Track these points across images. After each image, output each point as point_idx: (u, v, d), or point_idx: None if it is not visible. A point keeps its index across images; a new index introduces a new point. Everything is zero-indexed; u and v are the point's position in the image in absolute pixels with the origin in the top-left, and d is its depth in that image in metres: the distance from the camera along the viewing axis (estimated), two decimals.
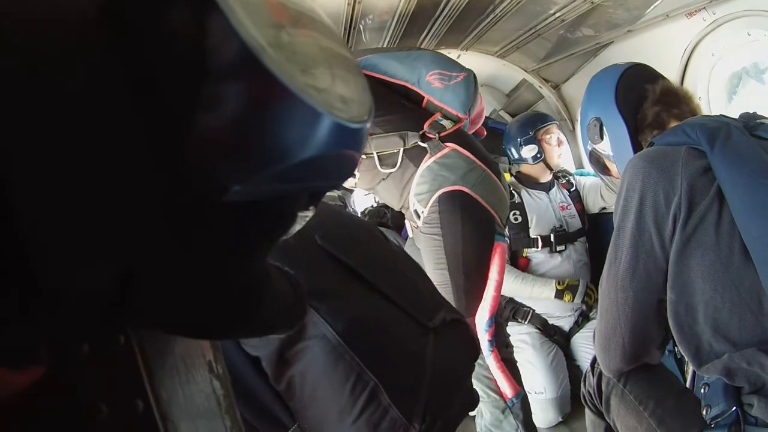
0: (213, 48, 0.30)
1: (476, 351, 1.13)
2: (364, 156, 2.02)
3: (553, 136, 2.94)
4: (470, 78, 2.02)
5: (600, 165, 1.60)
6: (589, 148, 1.56)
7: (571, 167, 3.28)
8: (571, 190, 3.02)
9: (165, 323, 0.43)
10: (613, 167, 1.53)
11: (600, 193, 2.91)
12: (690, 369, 1.25)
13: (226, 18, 0.30)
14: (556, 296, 2.68)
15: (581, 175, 3.11)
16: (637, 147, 1.40)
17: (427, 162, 1.94)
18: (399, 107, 2.01)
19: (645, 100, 1.40)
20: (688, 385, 1.28)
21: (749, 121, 1.20)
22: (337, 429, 0.92)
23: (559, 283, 2.69)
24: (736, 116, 1.28)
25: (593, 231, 2.95)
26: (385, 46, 2.67)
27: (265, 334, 0.55)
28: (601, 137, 1.47)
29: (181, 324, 0.43)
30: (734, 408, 1.04)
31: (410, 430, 0.92)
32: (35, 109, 0.28)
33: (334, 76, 0.36)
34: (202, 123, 0.31)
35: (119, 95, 0.31)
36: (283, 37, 0.33)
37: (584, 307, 2.75)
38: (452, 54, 2.95)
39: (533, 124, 2.97)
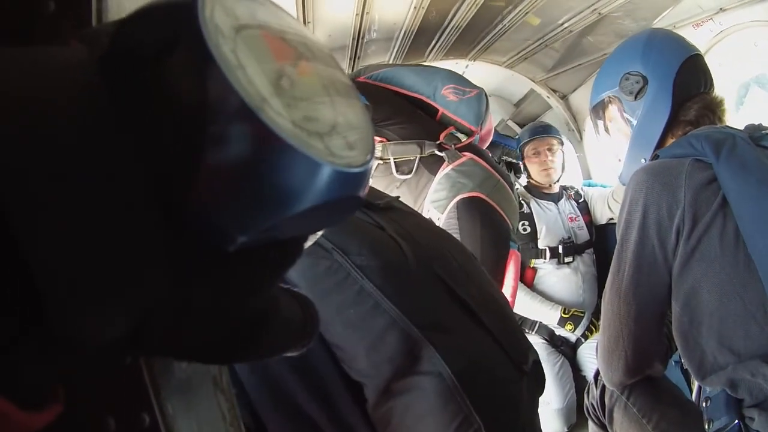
0: (212, 102, 0.30)
1: (542, 391, 1.11)
2: (380, 161, 2.07)
3: (539, 150, 2.96)
4: (482, 95, 2.09)
5: (597, 115, 1.51)
6: (606, 95, 1.45)
7: (578, 178, 3.28)
8: (580, 201, 3.00)
9: (173, 355, 0.44)
10: (620, 126, 1.43)
11: (608, 204, 2.89)
12: (696, 381, 1.25)
13: (222, 72, 0.30)
14: (558, 323, 2.68)
15: (589, 185, 3.11)
16: (663, 134, 1.34)
17: (445, 169, 1.99)
18: (416, 116, 2.07)
19: (696, 97, 1.33)
20: (693, 397, 1.27)
21: (754, 132, 1.20)
22: None
23: (564, 311, 2.68)
24: (743, 126, 1.28)
25: (601, 241, 2.94)
26: (393, 56, 2.70)
27: (274, 355, 0.56)
28: (635, 96, 1.36)
29: (189, 355, 0.44)
30: (736, 421, 1.04)
31: None
32: (43, 172, 0.29)
33: (336, 111, 0.36)
34: (204, 177, 0.31)
35: (121, 152, 0.32)
36: (284, 82, 0.34)
37: (583, 339, 2.73)
38: (460, 64, 2.98)
39: (519, 141, 3.05)
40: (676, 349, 1.24)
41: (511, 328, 1.07)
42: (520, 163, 3.03)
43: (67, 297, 0.30)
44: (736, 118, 2.24)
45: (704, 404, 1.12)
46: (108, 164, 0.31)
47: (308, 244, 0.46)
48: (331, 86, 0.38)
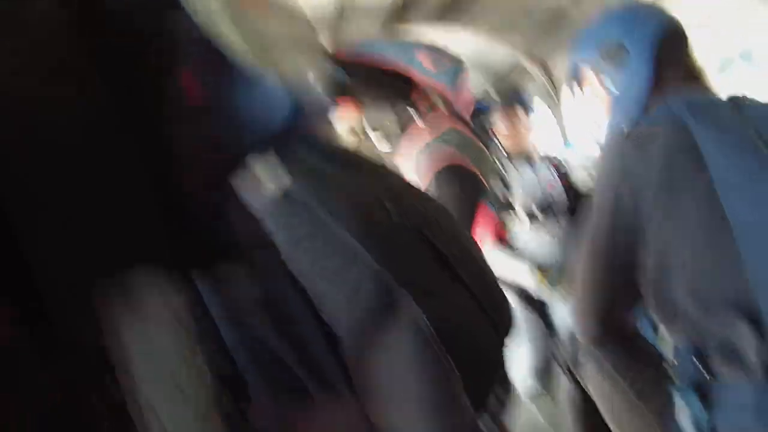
0: (179, 44, 0.32)
1: (516, 348, 1.14)
2: (363, 136, 2.05)
3: (502, 119, 2.96)
4: (460, 62, 2.08)
5: (574, 85, 1.50)
6: (585, 64, 1.43)
7: (558, 143, 3.30)
8: (560, 169, 2.97)
9: None
10: (600, 95, 1.41)
11: (587, 172, 2.92)
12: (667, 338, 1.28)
13: (188, 14, 0.32)
14: (533, 283, 2.69)
15: (568, 148, 3.12)
16: (645, 102, 1.32)
17: (426, 139, 1.99)
18: (392, 87, 2.04)
19: (677, 65, 1.33)
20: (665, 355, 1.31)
21: (736, 100, 1.23)
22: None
23: (539, 271, 2.69)
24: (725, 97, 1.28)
25: (579, 207, 2.92)
26: (376, 27, 2.66)
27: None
28: (615, 65, 1.34)
29: None
30: (706, 377, 1.08)
31: None
32: (43, 172, 0.29)
33: (297, 63, 0.39)
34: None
35: (122, 153, 0.32)
36: (245, 25, 0.35)
37: (558, 299, 2.72)
38: (443, 33, 2.94)
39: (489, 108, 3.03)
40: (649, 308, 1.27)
41: (491, 287, 1.10)
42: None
43: (68, 297, 0.30)
44: (718, 90, 2.28)
45: (674, 361, 1.16)
46: (108, 165, 0.32)
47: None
48: (295, 40, 0.41)
